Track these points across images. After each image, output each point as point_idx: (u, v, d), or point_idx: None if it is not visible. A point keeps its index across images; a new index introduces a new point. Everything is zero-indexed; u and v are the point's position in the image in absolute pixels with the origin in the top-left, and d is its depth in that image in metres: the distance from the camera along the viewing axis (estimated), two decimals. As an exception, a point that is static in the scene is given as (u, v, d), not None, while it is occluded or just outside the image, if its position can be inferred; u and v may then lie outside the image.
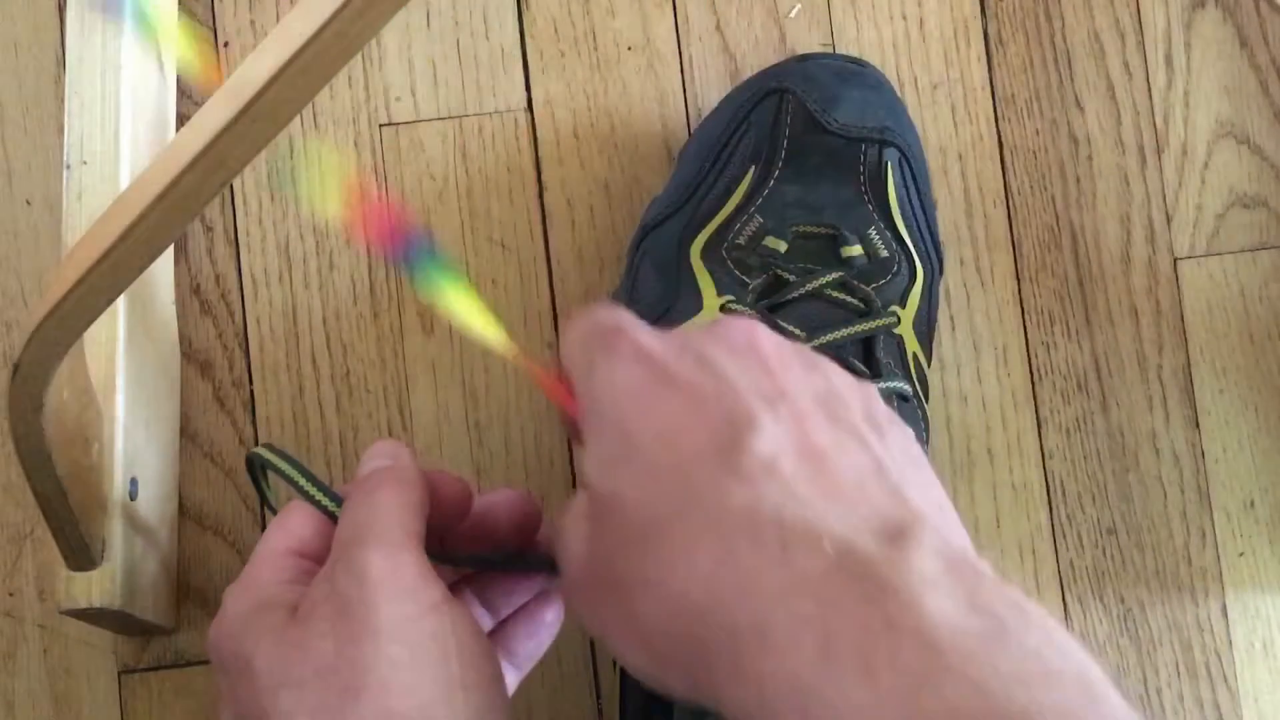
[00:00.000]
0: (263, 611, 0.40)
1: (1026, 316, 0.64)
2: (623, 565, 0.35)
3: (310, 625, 0.38)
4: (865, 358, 0.54)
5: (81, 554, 0.53)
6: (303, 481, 0.44)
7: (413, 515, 0.41)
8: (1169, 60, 0.66)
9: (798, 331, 0.53)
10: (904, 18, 0.66)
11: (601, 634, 0.37)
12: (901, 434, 0.38)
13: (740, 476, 0.34)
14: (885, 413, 0.38)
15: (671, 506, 0.34)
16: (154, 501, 0.59)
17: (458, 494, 0.44)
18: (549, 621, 0.47)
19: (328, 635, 0.38)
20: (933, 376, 0.62)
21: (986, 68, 0.65)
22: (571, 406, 0.40)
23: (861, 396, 0.38)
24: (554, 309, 0.63)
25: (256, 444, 0.62)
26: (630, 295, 0.59)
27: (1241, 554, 0.63)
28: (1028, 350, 0.64)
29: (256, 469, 0.46)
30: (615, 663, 0.53)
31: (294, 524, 0.43)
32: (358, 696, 0.37)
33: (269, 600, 0.40)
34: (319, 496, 0.43)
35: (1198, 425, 0.64)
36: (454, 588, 0.41)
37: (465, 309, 0.43)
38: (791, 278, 0.55)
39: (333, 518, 0.43)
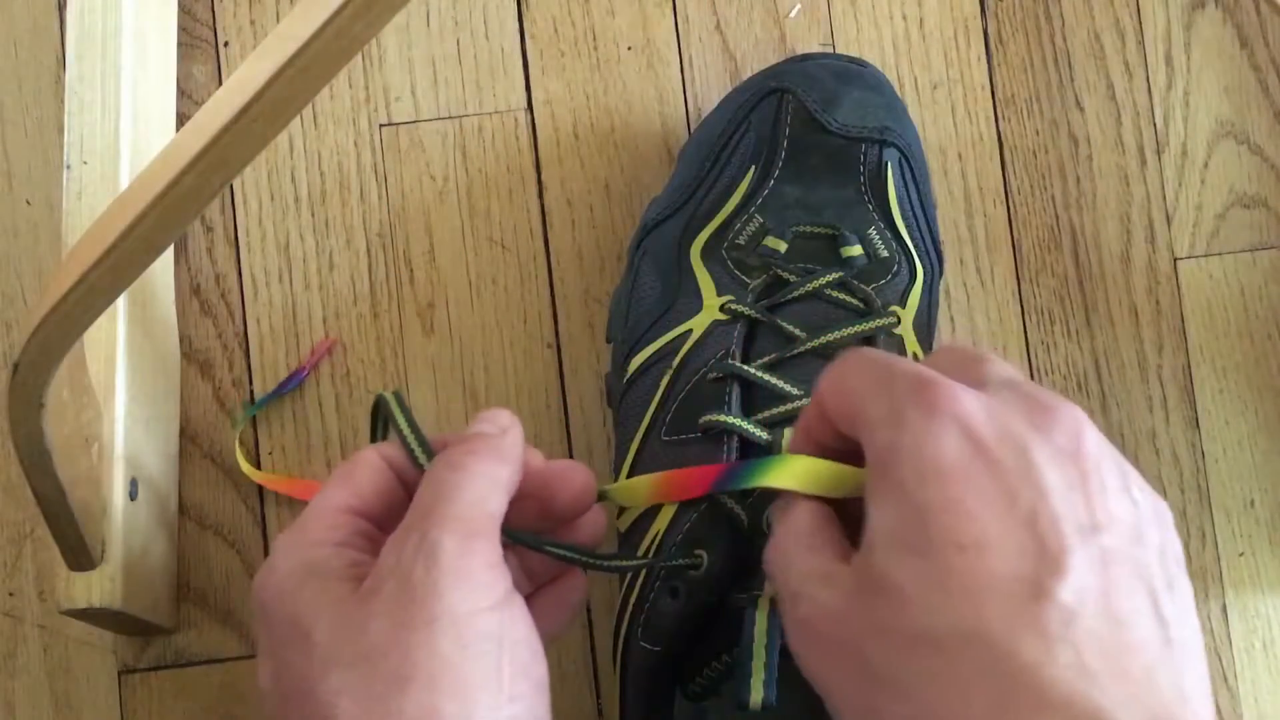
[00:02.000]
0: (322, 578, 0.39)
1: (1026, 316, 0.64)
2: (880, 655, 0.34)
3: (371, 603, 0.38)
4: (865, 358, 0.54)
5: (81, 554, 0.53)
6: (408, 431, 0.43)
7: (497, 494, 0.40)
8: (1169, 60, 0.66)
9: (798, 332, 0.53)
10: (904, 18, 0.66)
11: (817, 679, 0.37)
12: (1187, 584, 0.36)
13: (1038, 628, 0.33)
14: (1176, 552, 0.36)
15: (956, 626, 0.33)
16: (154, 501, 0.59)
17: (579, 490, 0.44)
18: (574, 603, 0.46)
19: (386, 615, 0.37)
20: (933, 376, 0.62)
21: (986, 68, 0.65)
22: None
23: (1160, 526, 0.36)
24: (554, 309, 0.63)
25: (257, 445, 0.62)
26: (630, 295, 0.59)
27: (1241, 554, 0.63)
28: (1028, 350, 0.64)
29: (379, 413, 0.46)
30: (615, 663, 0.53)
31: (359, 478, 0.42)
32: (404, 689, 0.36)
33: (323, 565, 0.39)
34: (417, 451, 0.42)
35: (1198, 425, 0.64)
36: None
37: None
38: (791, 278, 0.55)
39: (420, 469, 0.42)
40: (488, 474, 0.40)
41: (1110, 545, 0.34)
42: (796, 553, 0.39)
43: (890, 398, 0.36)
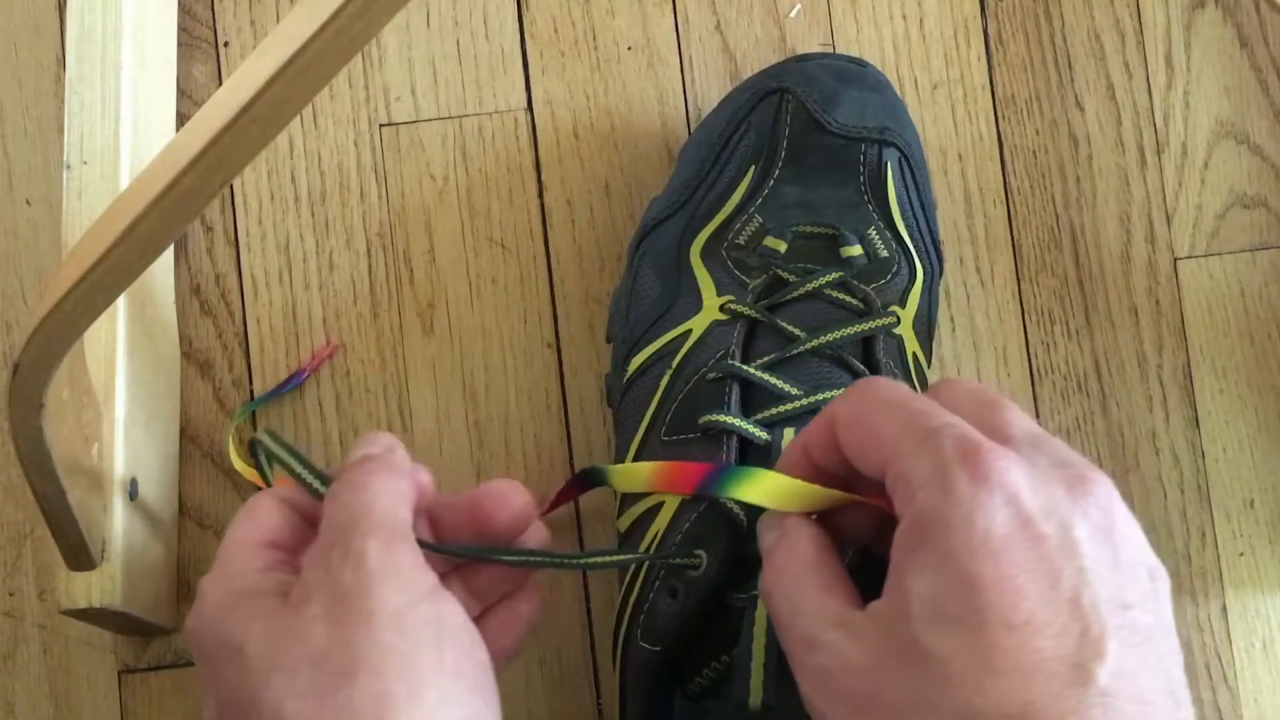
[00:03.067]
0: (249, 597, 0.40)
1: (1026, 316, 0.64)
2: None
3: (304, 610, 0.38)
4: (865, 358, 0.54)
5: (81, 554, 0.53)
6: (297, 466, 0.44)
7: (403, 505, 0.41)
8: (1169, 60, 0.66)
9: (798, 332, 0.53)
10: (904, 18, 0.66)
11: (813, 702, 0.37)
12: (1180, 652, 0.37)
13: (1080, 712, 0.33)
14: (1170, 613, 0.37)
15: (1002, 707, 0.34)
16: (154, 501, 0.59)
17: (516, 512, 0.44)
18: (526, 614, 0.46)
19: (321, 620, 0.38)
20: (933, 376, 0.62)
21: (986, 68, 0.65)
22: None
23: (1167, 598, 0.37)
24: (554, 309, 0.63)
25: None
26: (630, 295, 0.59)
27: (1241, 554, 0.63)
28: (1028, 350, 0.64)
29: (260, 454, 0.47)
30: (615, 663, 0.53)
31: (261, 515, 0.43)
32: (352, 681, 0.37)
33: (252, 587, 0.40)
34: (312, 482, 0.44)
35: (1198, 425, 0.64)
36: (443, 577, 0.42)
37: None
38: (791, 278, 0.55)
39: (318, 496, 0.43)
40: (390, 488, 0.41)
41: (1138, 623, 0.35)
42: (807, 590, 0.39)
43: (933, 459, 0.36)
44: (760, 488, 0.42)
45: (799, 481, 0.41)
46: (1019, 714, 0.33)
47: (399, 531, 0.40)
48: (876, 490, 0.40)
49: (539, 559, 0.45)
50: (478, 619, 0.45)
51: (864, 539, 0.42)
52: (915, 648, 0.35)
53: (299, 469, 0.44)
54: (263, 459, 0.47)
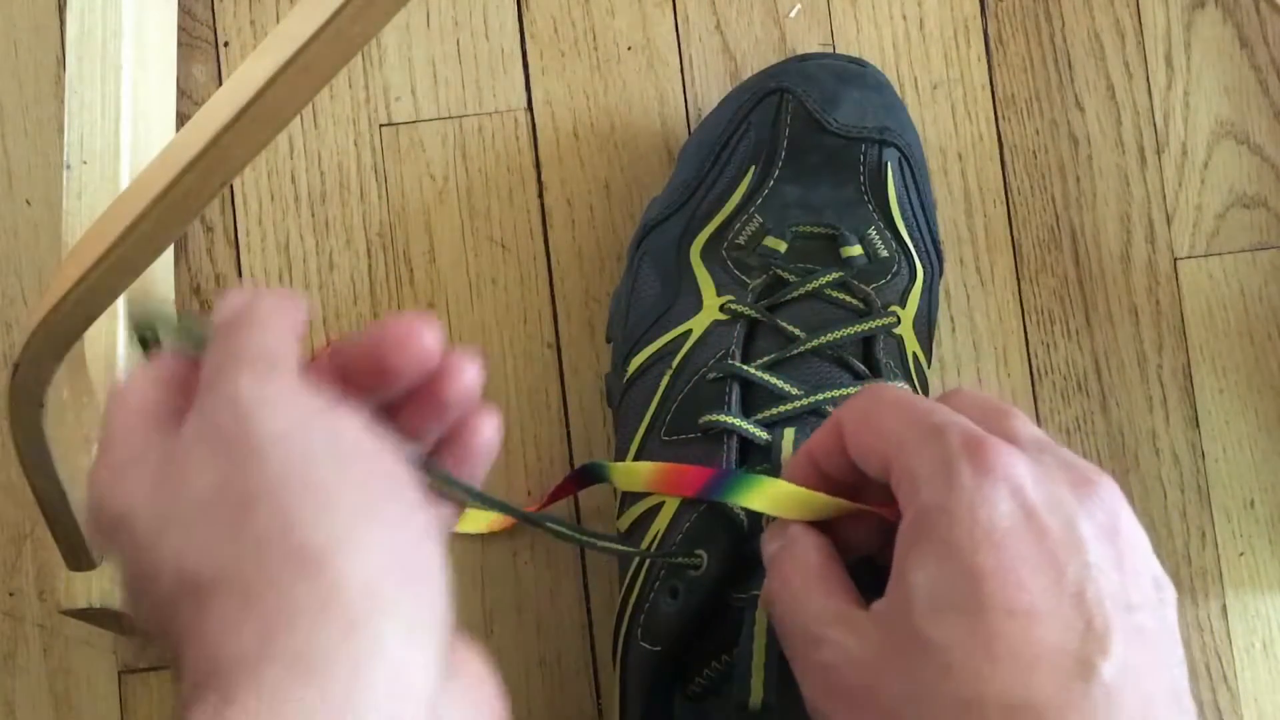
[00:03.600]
0: (131, 468, 0.36)
1: (1026, 316, 0.64)
2: (918, 718, 0.34)
3: (186, 464, 0.35)
4: (865, 358, 0.54)
5: (81, 554, 0.53)
6: (176, 319, 0.40)
7: (283, 340, 0.37)
8: (1169, 60, 0.66)
9: (798, 332, 0.53)
10: (904, 18, 0.66)
11: (815, 701, 0.37)
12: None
13: (1084, 706, 0.33)
14: (1175, 626, 0.37)
15: (1004, 696, 0.33)
16: (154, 501, 0.59)
17: (420, 350, 0.37)
18: (486, 441, 0.40)
19: (206, 467, 0.34)
20: (933, 377, 0.62)
21: (986, 68, 0.65)
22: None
23: (1172, 605, 0.37)
24: (554, 309, 0.63)
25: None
26: (630, 295, 0.59)
27: (1241, 554, 0.63)
28: (1028, 350, 0.64)
29: (145, 340, 0.42)
30: (615, 663, 0.53)
31: (135, 390, 0.38)
32: (248, 514, 0.33)
33: (133, 458, 0.36)
34: (193, 326, 0.39)
35: (1198, 425, 0.64)
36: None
37: None
38: (791, 278, 0.55)
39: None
40: (265, 326, 0.37)
41: (1144, 625, 0.35)
42: (811, 592, 0.39)
43: (939, 453, 0.36)
44: (764, 495, 0.42)
45: (803, 489, 0.41)
46: (1020, 704, 0.33)
47: (276, 363, 0.36)
48: (881, 500, 0.40)
49: (545, 523, 0.45)
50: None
51: (866, 550, 0.42)
52: (916, 638, 0.35)
53: (182, 320, 0.39)
54: (144, 337, 0.41)
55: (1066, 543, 0.35)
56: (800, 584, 0.39)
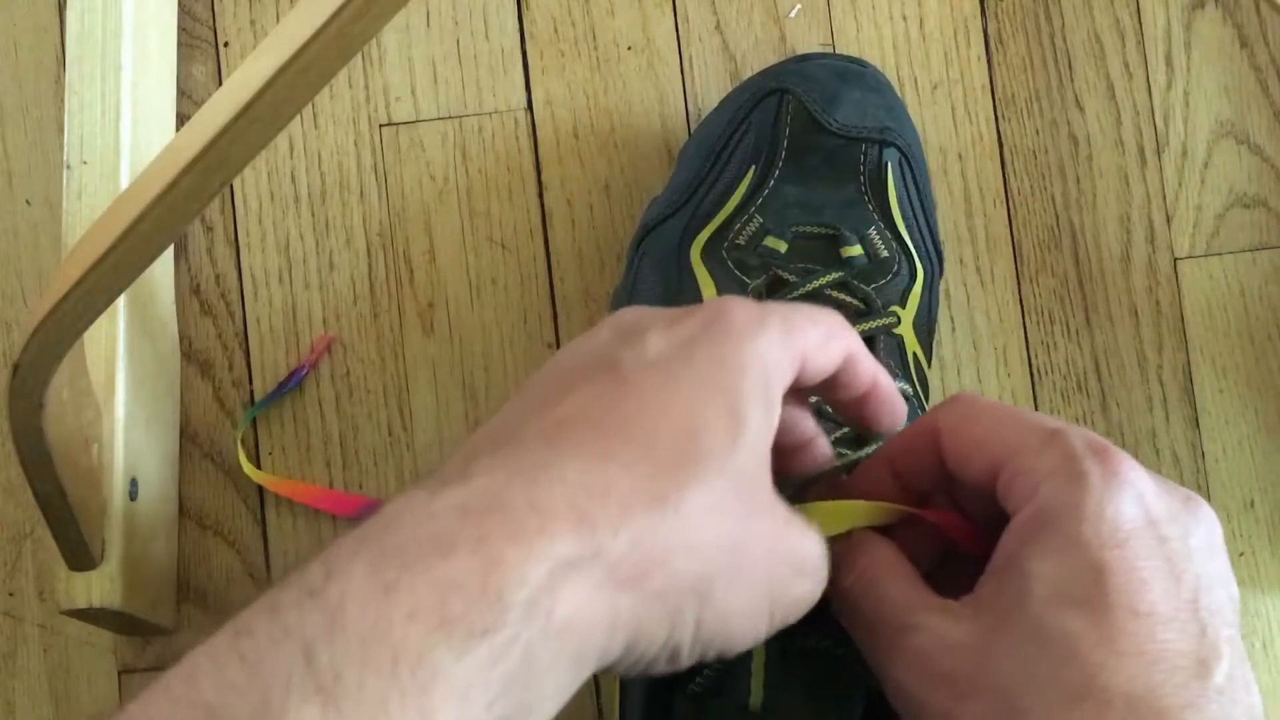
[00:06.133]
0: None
1: (1026, 316, 0.64)
2: (1035, 704, 0.35)
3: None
4: (865, 358, 0.54)
5: (81, 554, 0.53)
6: None
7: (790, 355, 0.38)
8: (1169, 60, 0.66)
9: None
10: (904, 18, 0.66)
11: (932, 713, 0.38)
12: None
13: (1200, 705, 0.35)
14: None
15: (1126, 689, 0.35)
16: (154, 501, 0.59)
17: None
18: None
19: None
20: (933, 377, 0.62)
21: (986, 68, 0.65)
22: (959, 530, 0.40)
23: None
24: (554, 309, 0.63)
25: (257, 445, 0.62)
26: (630, 295, 0.59)
27: (1241, 554, 0.63)
28: (1028, 350, 0.64)
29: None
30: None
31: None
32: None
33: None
34: None
35: (1198, 425, 0.64)
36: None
37: None
38: (791, 278, 0.55)
39: None
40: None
41: (1236, 641, 0.37)
42: (891, 581, 0.39)
43: (1061, 453, 0.38)
44: (849, 515, 0.42)
45: (847, 502, 0.41)
46: (1141, 696, 0.35)
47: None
48: (944, 508, 0.41)
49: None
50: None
51: (921, 566, 0.42)
52: (1034, 627, 0.36)
53: None
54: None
55: (1182, 553, 0.37)
56: (880, 575, 0.40)
